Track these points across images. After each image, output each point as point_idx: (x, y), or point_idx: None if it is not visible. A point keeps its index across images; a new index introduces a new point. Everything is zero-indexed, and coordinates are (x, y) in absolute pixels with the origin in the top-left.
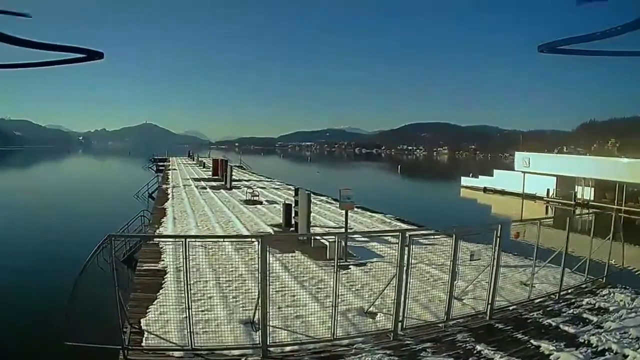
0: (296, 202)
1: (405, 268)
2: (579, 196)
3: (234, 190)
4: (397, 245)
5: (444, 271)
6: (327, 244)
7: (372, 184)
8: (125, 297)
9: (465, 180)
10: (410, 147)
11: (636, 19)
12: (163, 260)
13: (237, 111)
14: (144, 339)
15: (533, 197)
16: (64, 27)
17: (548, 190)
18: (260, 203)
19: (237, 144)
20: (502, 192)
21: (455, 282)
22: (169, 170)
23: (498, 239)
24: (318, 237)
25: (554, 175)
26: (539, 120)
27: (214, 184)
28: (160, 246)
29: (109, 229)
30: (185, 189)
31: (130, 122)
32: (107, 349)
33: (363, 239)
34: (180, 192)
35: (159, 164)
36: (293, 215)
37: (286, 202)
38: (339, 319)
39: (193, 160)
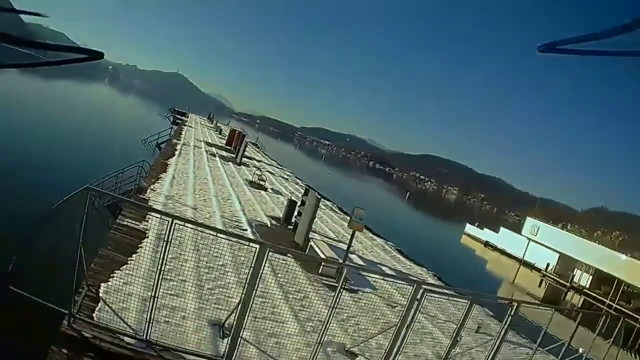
0: (302, 202)
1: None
2: (575, 279)
3: (242, 166)
4: (395, 282)
5: (443, 331)
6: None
7: (379, 204)
8: (92, 254)
9: (469, 229)
10: (422, 177)
11: (636, 19)
12: (147, 220)
13: (268, 91)
14: (96, 309)
15: (531, 267)
16: None
17: (548, 264)
18: (265, 189)
19: (258, 121)
20: (502, 252)
21: (453, 350)
22: (185, 125)
23: (510, 317)
24: (323, 261)
25: (557, 252)
26: (551, 189)
27: (224, 154)
28: (150, 203)
29: (102, 171)
30: (194, 150)
31: (163, 68)
32: (52, 310)
33: (361, 263)
34: (189, 152)
35: (177, 116)
36: (295, 213)
37: (291, 197)
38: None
39: (211, 124)
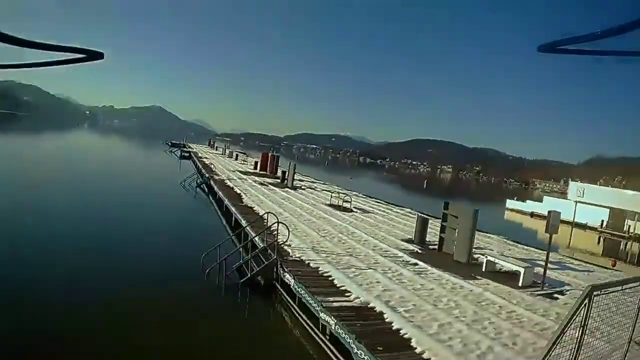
0: (444, 217)
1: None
2: (631, 230)
3: (299, 190)
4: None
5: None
6: (522, 270)
7: (421, 197)
8: None
9: (510, 203)
10: (414, 162)
11: (636, 19)
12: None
13: (245, 106)
14: None
15: (584, 227)
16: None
17: (602, 221)
18: (351, 211)
19: (242, 138)
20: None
21: None
22: (200, 158)
23: None
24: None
25: (607, 207)
26: (544, 149)
27: (269, 180)
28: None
29: (175, 226)
30: (244, 184)
31: (138, 103)
32: None
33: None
34: (245, 187)
35: (183, 149)
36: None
37: (420, 215)
38: None
39: (214, 149)
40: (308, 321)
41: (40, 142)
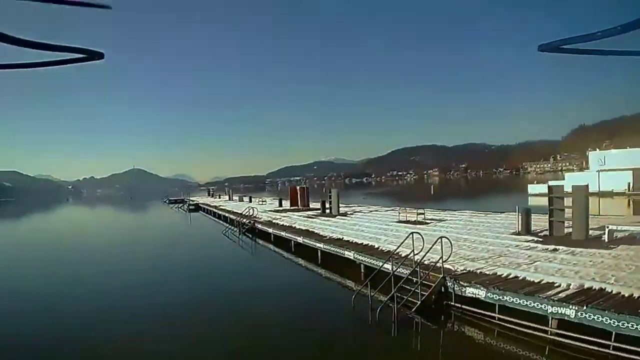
0: (550, 200)
1: None
2: None
3: (350, 216)
4: None
5: None
6: None
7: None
8: None
9: (532, 188)
10: (400, 173)
11: (636, 19)
12: None
13: (223, 152)
14: None
15: (610, 194)
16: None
17: (628, 184)
18: (427, 223)
19: (226, 184)
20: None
21: None
22: (217, 207)
23: None
24: None
25: (629, 170)
26: (527, 132)
27: (308, 213)
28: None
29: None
30: (292, 219)
31: (117, 169)
32: None
33: None
34: (302, 222)
35: (189, 203)
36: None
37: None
38: None
39: (217, 197)
40: (525, 323)
41: (44, 221)
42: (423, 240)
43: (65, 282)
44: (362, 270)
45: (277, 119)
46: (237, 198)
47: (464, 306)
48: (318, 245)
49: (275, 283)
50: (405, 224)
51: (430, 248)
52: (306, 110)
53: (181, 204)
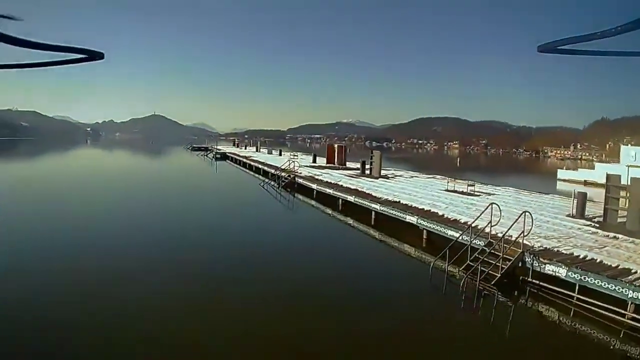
0: (607, 189)
1: None
2: None
3: (393, 179)
4: None
5: None
6: None
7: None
8: None
9: (562, 174)
10: (420, 141)
11: (636, 19)
12: None
13: (244, 104)
14: None
15: None
16: (68, 20)
17: None
18: (477, 195)
19: (246, 136)
20: (604, 185)
21: None
22: (247, 158)
23: None
24: None
25: None
26: (548, 117)
27: (348, 172)
28: None
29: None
30: (333, 177)
31: (138, 114)
32: None
33: None
34: (347, 181)
35: (216, 152)
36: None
37: (576, 190)
38: None
39: (243, 148)
40: (604, 305)
41: (64, 162)
42: (500, 213)
43: (89, 230)
44: (425, 236)
45: (300, 75)
46: (265, 150)
47: (541, 283)
48: (373, 205)
49: (327, 242)
50: (456, 194)
51: (514, 223)
52: (331, 70)
53: (205, 152)
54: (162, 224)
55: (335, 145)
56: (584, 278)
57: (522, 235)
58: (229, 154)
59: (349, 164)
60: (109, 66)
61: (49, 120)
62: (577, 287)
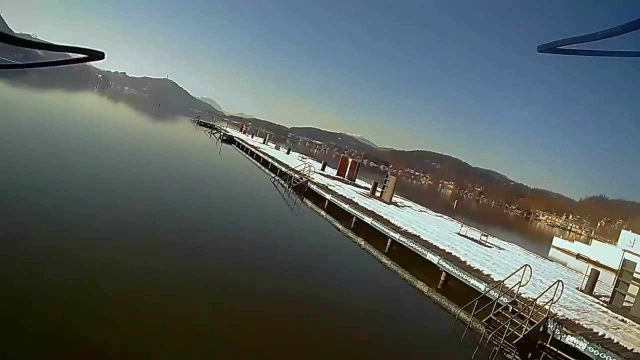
0: (621, 273)
1: None
2: None
3: (404, 209)
4: None
5: None
6: None
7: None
8: None
9: (557, 242)
10: (417, 173)
11: (636, 19)
12: None
13: (256, 90)
14: None
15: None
16: None
17: None
18: (488, 246)
19: (249, 123)
20: (597, 263)
21: None
22: (256, 149)
23: None
24: None
25: None
26: (546, 180)
27: (359, 190)
28: None
29: None
30: (344, 192)
31: (151, 74)
32: None
33: None
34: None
35: (223, 133)
36: None
37: (593, 269)
38: None
39: (248, 136)
40: None
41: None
42: (531, 274)
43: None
44: (442, 278)
45: (317, 78)
46: (272, 144)
47: (559, 351)
48: (392, 233)
49: (337, 259)
50: (470, 240)
51: (548, 289)
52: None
53: (211, 130)
54: (160, 204)
55: (350, 160)
56: (602, 355)
57: (550, 302)
58: (236, 138)
59: (357, 181)
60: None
61: (64, 56)
62: None
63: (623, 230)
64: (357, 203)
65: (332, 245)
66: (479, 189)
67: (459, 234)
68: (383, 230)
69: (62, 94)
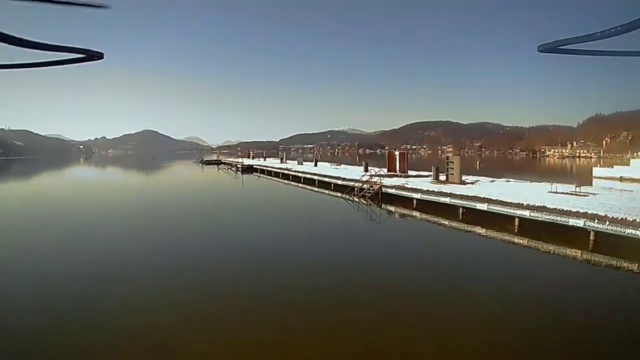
0: None
1: None
2: None
3: (477, 184)
4: None
5: None
6: None
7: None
8: None
9: (597, 172)
10: (414, 147)
11: (636, 19)
12: None
13: (236, 116)
14: None
15: None
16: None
17: None
18: (585, 195)
19: (239, 148)
20: None
21: None
22: (288, 170)
23: None
24: None
25: None
26: (541, 117)
27: (425, 179)
28: None
29: None
30: (432, 185)
31: (129, 130)
32: None
33: None
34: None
35: (244, 164)
36: None
37: None
38: None
39: (254, 159)
40: None
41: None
42: None
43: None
44: (592, 238)
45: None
46: (295, 162)
47: None
48: (520, 212)
49: (475, 258)
50: (568, 195)
51: None
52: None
53: (218, 165)
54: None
55: (397, 153)
56: None
57: None
58: (255, 167)
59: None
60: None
61: (41, 139)
62: None
63: None
64: (452, 193)
65: (453, 245)
66: (477, 144)
67: (550, 192)
68: (506, 212)
69: (55, 174)
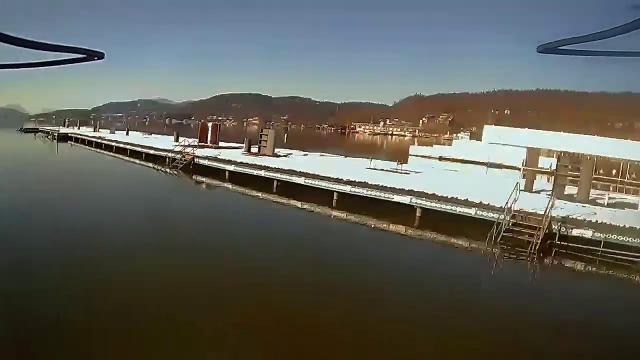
0: (558, 167)
1: None
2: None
3: (291, 157)
4: None
5: None
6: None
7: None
8: None
9: (414, 150)
10: (220, 118)
11: (636, 19)
12: None
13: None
14: None
15: (499, 166)
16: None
17: (524, 160)
18: (407, 173)
19: (54, 116)
20: (462, 161)
21: None
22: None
23: None
24: None
25: (524, 147)
26: (354, 93)
27: (238, 151)
28: None
29: None
30: (245, 157)
31: None
32: None
33: None
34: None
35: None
36: None
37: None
38: None
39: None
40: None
41: None
42: (518, 190)
43: None
44: (418, 214)
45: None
46: (108, 131)
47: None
48: (339, 187)
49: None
50: (389, 172)
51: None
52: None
53: (35, 133)
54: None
55: (210, 124)
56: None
57: (549, 207)
58: (70, 135)
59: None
60: None
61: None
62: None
63: (486, 127)
64: (268, 166)
65: (262, 214)
66: (284, 117)
67: (369, 168)
68: (325, 187)
69: None
